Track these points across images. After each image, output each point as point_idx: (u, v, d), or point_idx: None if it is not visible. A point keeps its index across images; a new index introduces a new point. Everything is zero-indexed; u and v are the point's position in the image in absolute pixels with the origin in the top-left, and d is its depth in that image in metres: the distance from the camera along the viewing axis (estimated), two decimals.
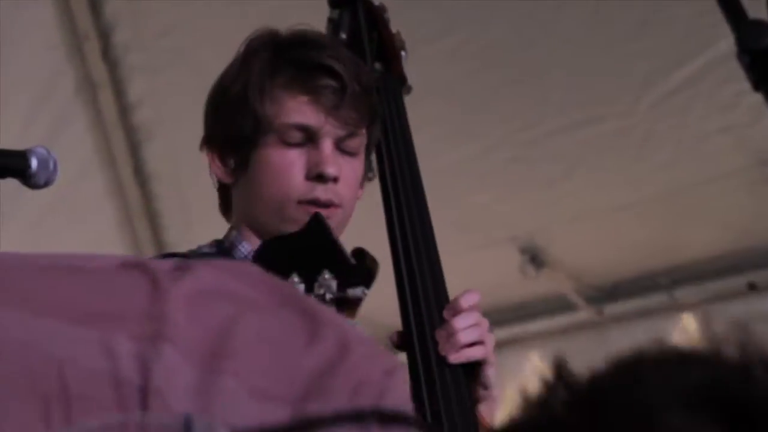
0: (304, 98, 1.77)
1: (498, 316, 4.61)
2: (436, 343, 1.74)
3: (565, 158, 3.99)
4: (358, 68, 1.81)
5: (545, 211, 4.23)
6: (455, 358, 1.72)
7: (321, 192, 1.75)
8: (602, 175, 4.04)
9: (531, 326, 4.80)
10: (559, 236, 4.36)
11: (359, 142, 1.80)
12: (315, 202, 1.75)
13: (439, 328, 1.74)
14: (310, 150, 1.76)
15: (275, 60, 1.79)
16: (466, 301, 1.76)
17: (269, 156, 1.76)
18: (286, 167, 1.75)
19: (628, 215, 4.18)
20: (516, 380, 4.81)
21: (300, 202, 1.75)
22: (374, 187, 1.89)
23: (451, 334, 1.73)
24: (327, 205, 1.75)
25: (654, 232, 4.27)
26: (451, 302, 1.77)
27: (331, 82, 1.77)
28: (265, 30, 1.84)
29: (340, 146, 1.78)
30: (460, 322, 1.73)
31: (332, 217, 1.74)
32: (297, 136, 1.76)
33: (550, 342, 4.80)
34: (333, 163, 1.76)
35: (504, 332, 4.65)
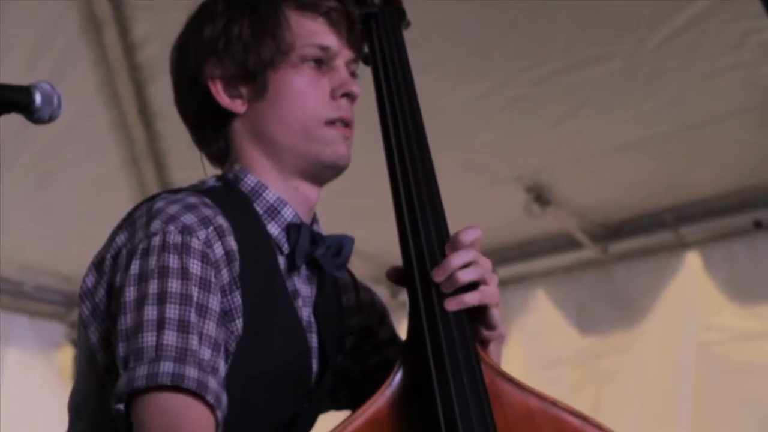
0: (321, 20, 1.81)
1: (503, 255, 4.63)
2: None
3: (571, 97, 3.97)
4: None
5: (551, 149, 4.22)
6: (451, 305, 1.71)
7: (345, 111, 1.79)
8: (608, 113, 4.02)
9: (536, 264, 4.82)
10: (565, 175, 4.36)
11: (358, 66, 1.87)
12: (340, 120, 1.79)
13: (438, 266, 1.74)
14: (327, 71, 1.80)
15: None
16: (466, 236, 1.75)
17: (291, 78, 1.78)
18: (311, 87, 1.78)
19: (634, 153, 4.17)
20: (521, 318, 4.84)
21: (327, 122, 1.78)
22: (374, 122, 1.88)
23: (449, 272, 1.73)
24: (349, 123, 1.80)
25: (660, 170, 4.27)
26: (452, 238, 1.76)
27: (340, 7, 1.82)
28: None
29: (348, 69, 1.83)
30: (457, 260, 1.73)
31: (350, 138, 1.80)
32: (317, 57, 1.79)
33: (554, 280, 4.82)
34: (355, 82, 1.81)
35: (509, 270, 4.66)
